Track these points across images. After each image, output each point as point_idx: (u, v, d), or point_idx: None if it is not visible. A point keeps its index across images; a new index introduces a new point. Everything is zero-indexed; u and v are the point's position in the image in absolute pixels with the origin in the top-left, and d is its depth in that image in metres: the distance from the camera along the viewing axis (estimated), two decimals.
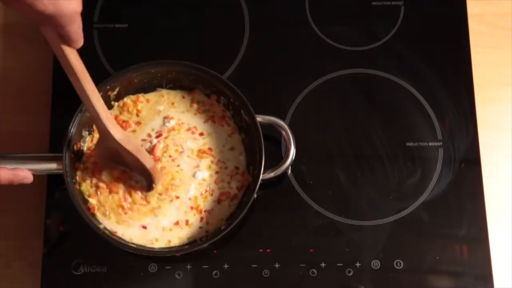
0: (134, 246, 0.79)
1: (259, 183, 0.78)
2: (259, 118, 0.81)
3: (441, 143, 0.87)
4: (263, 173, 0.79)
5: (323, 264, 0.82)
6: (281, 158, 0.82)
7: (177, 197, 0.81)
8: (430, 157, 0.86)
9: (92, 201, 0.81)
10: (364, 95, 0.89)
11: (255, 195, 0.79)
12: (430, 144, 0.87)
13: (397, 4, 0.93)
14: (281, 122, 0.82)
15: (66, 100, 0.85)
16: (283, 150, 0.85)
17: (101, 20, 0.91)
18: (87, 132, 0.83)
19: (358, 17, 0.93)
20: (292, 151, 0.81)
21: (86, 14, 0.90)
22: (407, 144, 0.87)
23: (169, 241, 0.80)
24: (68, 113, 0.80)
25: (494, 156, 0.88)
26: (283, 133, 0.82)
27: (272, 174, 0.80)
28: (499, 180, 0.88)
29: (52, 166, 0.79)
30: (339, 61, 0.90)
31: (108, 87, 0.82)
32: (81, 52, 0.89)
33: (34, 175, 0.77)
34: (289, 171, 0.85)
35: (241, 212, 0.78)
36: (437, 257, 0.82)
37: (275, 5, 0.93)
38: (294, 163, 0.82)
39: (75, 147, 0.81)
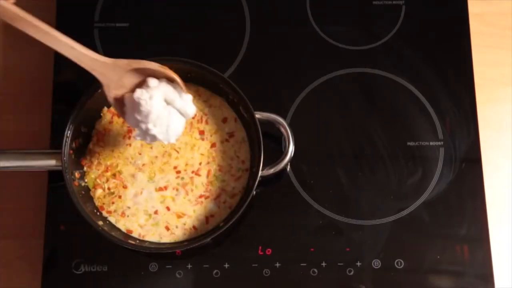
0: (133, 243, 0.79)
1: (257, 180, 0.78)
2: (258, 115, 0.81)
3: (442, 142, 0.87)
4: (262, 170, 0.79)
5: (323, 264, 0.82)
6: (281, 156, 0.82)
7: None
8: (431, 157, 0.86)
9: (99, 192, 0.81)
10: (365, 95, 0.89)
11: (254, 192, 0.79)
12: (431, 143, 0.87)
13: (398, 4, 0.93)
14: (280, 119, 0.82)
15: (67, 99, 0.86)
16: (284, 148, 0.85)
17: (102, 19, 0.91)
18: (86, 129, 0.83)
19: (358, 16, 0.93)
20: (291, 148, 0.81)
21: (87, 14, 0.91)
22: (408, 143, 0.87)
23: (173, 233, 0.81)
24: (69, 112, 0.80)
25: (495, 156, 0.88)
26: (282, 129, 0.82)
27: (271, 171, 0.80)
28: (500, 180, 0.88)
29: (51, 162, 0.79)
30: (339, 60, 0.90)
31: None
32: None
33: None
34: (288, 167, 0.85)
35: (239, 209, 0.78)
36: (438, 257, 0.82)
37: (276, 4, 0.93)
38: (294, 163, 0.82)
39: (74, 144, 0.81)
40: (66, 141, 0.79)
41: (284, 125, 0.82)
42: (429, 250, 0.83)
